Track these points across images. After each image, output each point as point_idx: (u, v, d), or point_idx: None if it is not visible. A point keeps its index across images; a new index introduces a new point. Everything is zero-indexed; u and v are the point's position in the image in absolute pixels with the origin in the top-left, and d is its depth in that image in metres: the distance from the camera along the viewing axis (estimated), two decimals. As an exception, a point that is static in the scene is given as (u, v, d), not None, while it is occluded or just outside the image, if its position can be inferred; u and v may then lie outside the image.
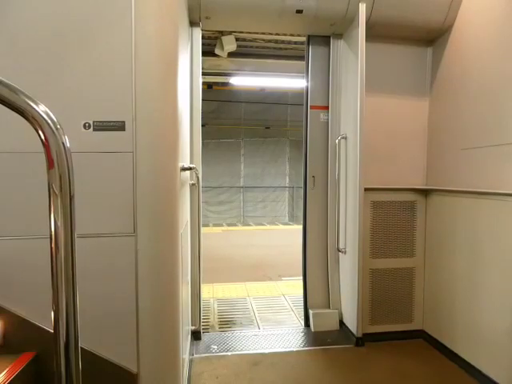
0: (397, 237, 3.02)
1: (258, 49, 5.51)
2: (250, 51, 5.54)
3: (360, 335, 2.86)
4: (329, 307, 3.25)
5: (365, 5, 2.69)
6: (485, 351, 2.36)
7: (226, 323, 3.34)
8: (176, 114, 1.72)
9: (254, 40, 5.17)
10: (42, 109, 0.69)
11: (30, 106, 0.68)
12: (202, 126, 3.00)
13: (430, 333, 2.97)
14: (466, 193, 2.54)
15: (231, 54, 5.22)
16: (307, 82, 3.22)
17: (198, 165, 2.90)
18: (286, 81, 6.79)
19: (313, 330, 3.14)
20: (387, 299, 3.01)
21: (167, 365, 1.64)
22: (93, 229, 1.51)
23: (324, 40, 3.16)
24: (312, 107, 3.21)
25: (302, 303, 3.32)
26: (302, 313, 3.30)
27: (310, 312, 3.18)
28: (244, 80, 7.14)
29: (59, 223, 0.70)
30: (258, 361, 2.63)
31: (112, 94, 1.52)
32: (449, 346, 2.71)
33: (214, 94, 11.12)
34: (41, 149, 0.69)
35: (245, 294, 4.13)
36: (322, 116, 3.22)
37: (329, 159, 3.23)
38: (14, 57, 1.47)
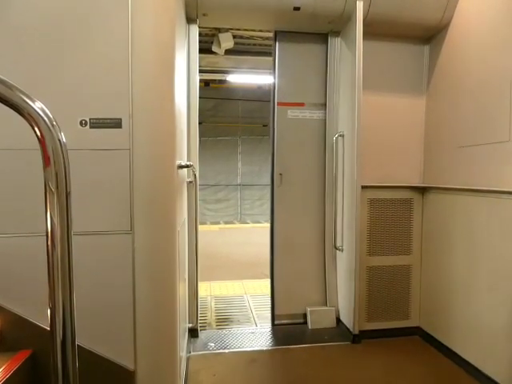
0: (394, 234, 3.03)
1: (256, 46, 5.50)
2: (247, 49, 5.54)
3: (357, 332, 2.87)
4: (326, 304, 3.26)
5: (362, 2, 2.69)
6: (480, 348, 2.38)
7: (224, 321, 3.35)
8: (173, 112, 1.71)
9: (252, 37, 5.17)
10: (38, 105, 0.69)
11: (26, 102, 0.68)
12: (199, 123, 3.00)
13: (426, 330, 2.99)
14: (463, 190, 2.55)
15: (228, 52, 5.21)
16: (274, 78, 3.18)
17: (195, 163, 2.89)
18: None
19: (310, 328, 3.15)
20: (384, 296, 3.02)
21: (164, 362, 1.64)
22: (89, 226, 1.51)
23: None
24: (279, 104, 3.18)
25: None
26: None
27: (308, 309, 3.19)
28: (241, 77, 7.13)
29: (55, 220, 0.69)
30: (255, 358, 2.64)
31: (109, 91, 1.51)
32: (445, 343, 2.73)
33: (211, 91, 11.08)
34: (37, 146, 0.69)
35: (242, 292, 4.13)
36: (290, 113, 3.20)
37: (326, 157, 3.23)
38: (10, 54, 1.46)
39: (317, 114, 3.24)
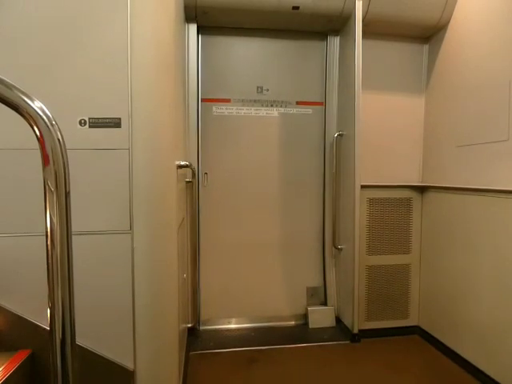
0: (393, 233, 3.03)
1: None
2: (246, 48, 5.51)
3: (356, 331, 2.88)
4: (325, 304, 3.26)
5: (361, 2, 2.69)
6: (480, 347, 2.38)
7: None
8: (172, 111, 1.71)
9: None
10: (37, 105, 0.69)
11: (25, 101, 0.68)
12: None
13: (425, 329, 2.99)
14: (461, 190, 2.55)
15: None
16: (197, 74, 3.03)
17: (195, 162, 2.89)
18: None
19: (310, 327, 3.15)
20: (383, 295, 3.02)
21: (164, 361, 1.64)
22: (88, 226, 1.51)
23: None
24: (204, 100, 3.08)
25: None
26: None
27: (308, 309, 3.20)
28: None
29: (55, 220, 0.69)
30: (255, 357, 2.64)
31: (108, 90, 1.51)
32: (444, 342, 2.73)
33: (211, 90, 11.05)
34: (36, 145, 0.69)
35: (241, 291, 4.12)
36: (215, 109, 3.10)
37: (326, 156, 3.23)
38: (9, 53, 1.46)
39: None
